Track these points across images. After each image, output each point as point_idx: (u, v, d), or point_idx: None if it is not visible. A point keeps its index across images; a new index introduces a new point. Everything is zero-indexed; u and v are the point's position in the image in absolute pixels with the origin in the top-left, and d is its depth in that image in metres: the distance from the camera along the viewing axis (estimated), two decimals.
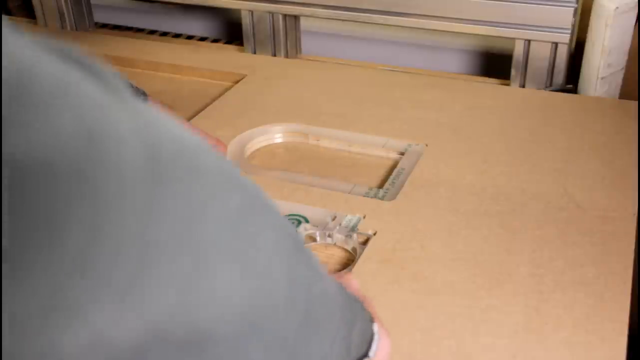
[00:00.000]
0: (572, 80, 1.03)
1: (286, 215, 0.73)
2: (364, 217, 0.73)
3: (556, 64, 1.00)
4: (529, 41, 1.00)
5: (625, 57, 0.97)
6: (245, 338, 0.29)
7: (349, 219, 0.72)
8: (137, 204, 0.22)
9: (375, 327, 0.43)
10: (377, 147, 0.88)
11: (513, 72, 1.03)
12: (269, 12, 1.14)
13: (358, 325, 0.41)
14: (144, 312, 0.23)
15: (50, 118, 0.20)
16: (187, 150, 0.26)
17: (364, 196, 0.78)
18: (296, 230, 0.36)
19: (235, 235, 0.28)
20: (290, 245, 0.33)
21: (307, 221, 0.72)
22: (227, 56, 1.17)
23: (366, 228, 0.71)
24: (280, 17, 1.13)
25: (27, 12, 1.37)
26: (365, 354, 0.42)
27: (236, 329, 0.28)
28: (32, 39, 0.22)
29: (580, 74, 1.00)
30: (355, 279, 0.51)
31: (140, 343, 0.23)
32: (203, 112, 0.97)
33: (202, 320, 0.26)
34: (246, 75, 1.08)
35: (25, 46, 0.21)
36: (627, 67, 0.98)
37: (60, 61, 0.22)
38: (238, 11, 1.17)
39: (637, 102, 0.95)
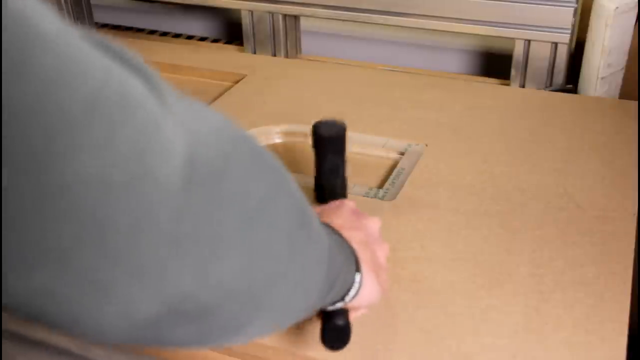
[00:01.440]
0: (572, 80, 1.03)
1: None
2: None
3: (556, 64, 1.00)
4: (529, 41, 1.00)
5: (625, 57, 0.97)
6: (242, 308, 0.33)
7: None
8: (171, 208, 0.27)
9: (358, 277, 0.50)
10: (377, 147, 0.88)
11: (513, 72, 1.03)
12: (269, 12, 1.14)
13: (342, 276, 0.47)
14: (163, 293, 0.28)
15: (114, 139, 0.24)
16: (220, 151, 0.30)
17: (364, 196, 0.78)
18: (305, 202, 0.39)
19: (252, 227, 0.32)
20: (297, 222, 0.36)
21: None
22: (227, 56, 1.17)
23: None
24: (280, 17, 1.13)
25: None
26: (342, 298, 0.49)
27: (235, 303, 0.32)
28: (88, 36, 0.26)
29: (580, 74, 1.00)
30: (376, 222, 0.59)
31: (157, 314, 0.28)
32: None
33: (208, 298, 0.30)
34: (246, 75, 1.08)
35: (99, 57, 0.25)
36: (627, 67, 0.98)
37: (119, 66, 0.26)
38: (238, 11, 1.17)
39: (637, 102, 0.95)
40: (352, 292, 0.50)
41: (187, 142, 0.28)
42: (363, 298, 0.51)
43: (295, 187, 0.38)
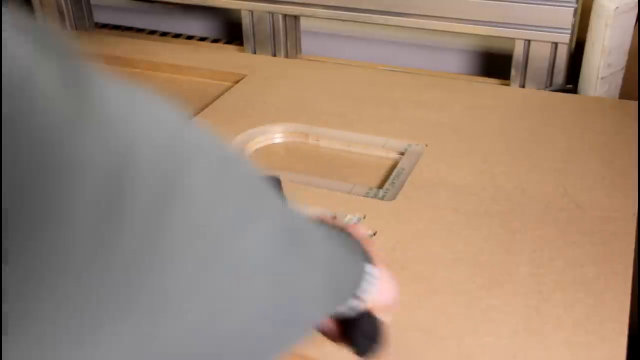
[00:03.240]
0: (572, 80, 1.03)
1: None
2: (364, 217, 0.73)
3: (556, 64, 1.00)
4: (529, 41, 1.00)
5: (625, 57, 0.97)
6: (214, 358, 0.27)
7: (349, 219, 0.72)
8: (85, 249, 0.20)
9: (369, 268, 0.41)
10: (377, 147, 0.88)
11: (513, 72, 1.03)
12: (269, 12, 1.14)
13: (348, 275, 0.40)
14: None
15: None
16: (169, 165, 0.23)
17: (364, 196, 0.78)
18: (295, 214, 0.33)
19: (212, 269, 0.25)
20: (283, 245, 0.30)
21: None
22: (227, 56, 1.17)
23: (366, 228, 0.71)
24: (280, 17, 1.13)
25: (26, 12, 1.38)
26: (354, 294, 0.41)
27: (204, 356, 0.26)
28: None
29: (580, 74, 1.00)
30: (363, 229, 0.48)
31: None
32: (203, 112, 0.97)
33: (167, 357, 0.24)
34: (246, 75, 1.08)
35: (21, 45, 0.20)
36: (627, 67, 0.98)
37: (27, 48, 0.20)
38: (238, 11, 1.17)
39: (637, 102, 0.95)
40: (364, 285, 0.41)
41: (115, 152, 0.21)
42: (382, 293, 0.43)
43: (277, 199, 0.31)
